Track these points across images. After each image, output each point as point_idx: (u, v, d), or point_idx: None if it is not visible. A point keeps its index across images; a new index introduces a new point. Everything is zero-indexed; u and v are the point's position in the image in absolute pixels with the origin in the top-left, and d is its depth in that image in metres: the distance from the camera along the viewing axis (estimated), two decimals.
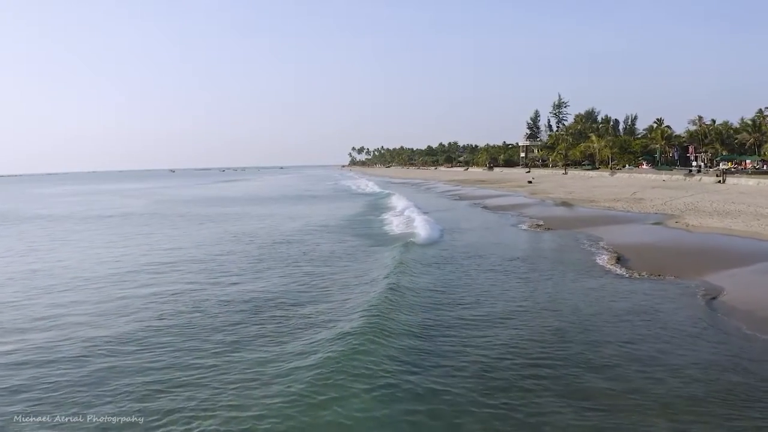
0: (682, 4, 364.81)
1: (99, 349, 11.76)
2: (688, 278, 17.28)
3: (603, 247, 23.24)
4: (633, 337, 12.15)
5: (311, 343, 11.87)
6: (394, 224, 34.29)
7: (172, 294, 16.81)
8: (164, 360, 11.08)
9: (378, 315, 13.33)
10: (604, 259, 20.59)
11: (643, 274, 18.14)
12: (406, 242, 25.04)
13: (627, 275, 18.11)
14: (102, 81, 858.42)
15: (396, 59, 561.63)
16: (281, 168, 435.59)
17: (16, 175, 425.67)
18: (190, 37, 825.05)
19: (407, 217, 37.30)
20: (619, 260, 20.17)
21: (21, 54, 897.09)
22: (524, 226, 31.85)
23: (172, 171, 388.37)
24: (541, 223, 32.55)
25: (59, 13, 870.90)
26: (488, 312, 14.24)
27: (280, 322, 13.56)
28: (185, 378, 10.09)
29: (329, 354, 10.86)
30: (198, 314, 14.42)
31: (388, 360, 10.65)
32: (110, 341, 12.34)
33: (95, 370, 10.56)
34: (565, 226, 30.68)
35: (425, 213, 39.02)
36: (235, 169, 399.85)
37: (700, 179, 63.11)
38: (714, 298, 14.86)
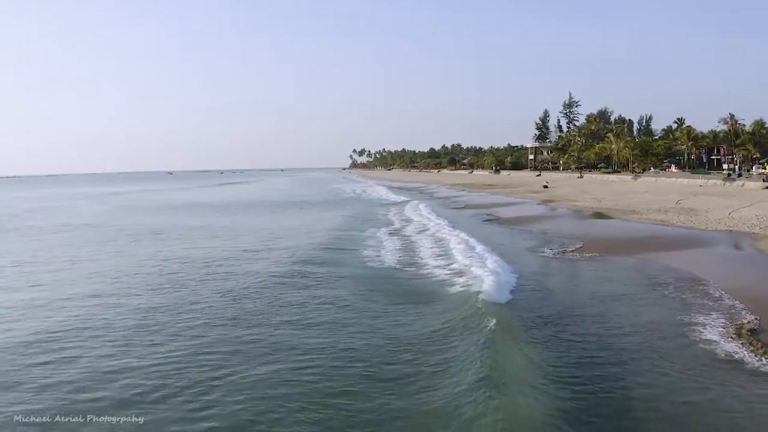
0: (682, 3, 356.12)
1: None
2: None
3: (709, 296, 14.69)
4: None
5: None
6: (388, 249, 26.13)
7: None
8: None
9: None
10: (716, 329, 12.10)
11: None
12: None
13: None
14: (102, 81, 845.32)
15: (397, 60, 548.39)
16: (282, 170, 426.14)
17: (15, 177, 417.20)
18: (190, 37, 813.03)
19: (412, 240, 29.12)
20: (752, 332, 11.71)
21: (21, 54, 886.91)
22: (555, 250, 23.03)
23: (170, 173, 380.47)
24: (579, 245, 23.81)
25: (59, 13, 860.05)
26: None
27: None
28: None
29: None
30: None
31: None
32: None
33: None
34: (616, 250, 22.16)
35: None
36: (234, 172, 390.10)
37: (743, 184, 55.09)
38: None
